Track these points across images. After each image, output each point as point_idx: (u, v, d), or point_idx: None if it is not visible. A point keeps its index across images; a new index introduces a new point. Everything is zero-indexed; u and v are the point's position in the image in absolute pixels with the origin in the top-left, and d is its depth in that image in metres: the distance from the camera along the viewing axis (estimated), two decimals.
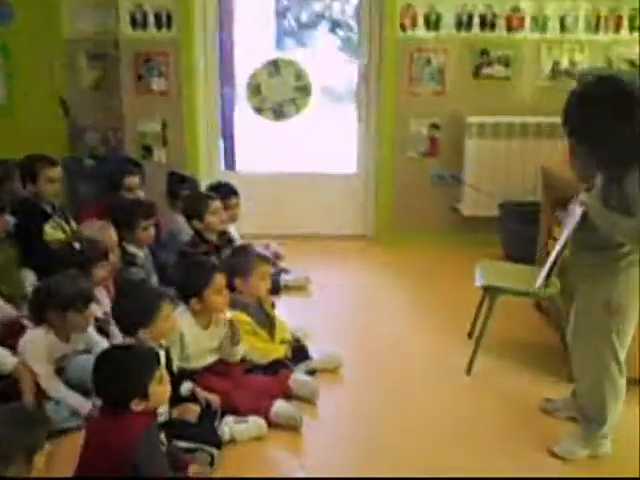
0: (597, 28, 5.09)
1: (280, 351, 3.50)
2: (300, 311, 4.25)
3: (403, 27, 5.03)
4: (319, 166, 5.61)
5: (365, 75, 5.26)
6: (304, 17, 11.52)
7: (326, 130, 6.27)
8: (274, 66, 5.16)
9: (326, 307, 4.43)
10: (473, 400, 3.42)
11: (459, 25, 5.05)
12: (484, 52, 5.09)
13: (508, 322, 3.99)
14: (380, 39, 5.09)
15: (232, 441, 2.95)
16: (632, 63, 5.11)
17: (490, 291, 3.58)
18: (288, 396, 3.27)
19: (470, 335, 3.98)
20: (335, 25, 11.28)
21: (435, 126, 5.23)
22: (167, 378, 2.53)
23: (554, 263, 2.74)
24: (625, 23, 5.09)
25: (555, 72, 5.15)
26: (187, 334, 3.18)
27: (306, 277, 4.59)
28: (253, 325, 3.45)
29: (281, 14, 10.78)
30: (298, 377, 3.36)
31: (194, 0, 5.04)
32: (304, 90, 5.19)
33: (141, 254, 3.96)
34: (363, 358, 3.79)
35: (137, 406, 2.35)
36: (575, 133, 2.70)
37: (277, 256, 4.87)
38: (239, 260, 3.52)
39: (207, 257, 3.61)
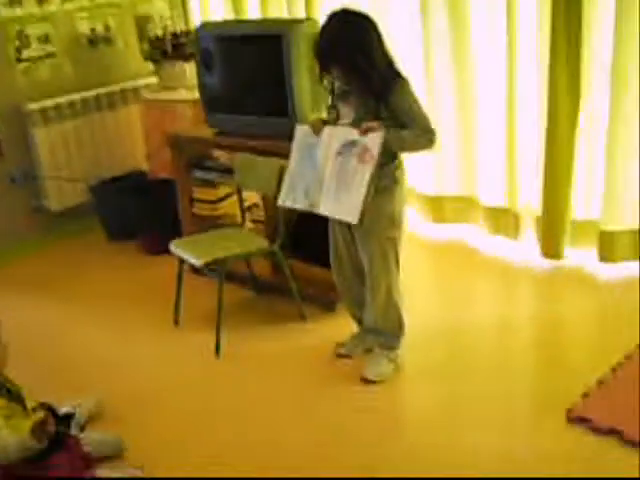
0: None
1: None
2: None
3: None
4: None
5: None
6: None
7: None
8: None
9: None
10: (262, 379, 3.28)
11: None
12: (21, 33, 4.56)
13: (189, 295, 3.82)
14: None
15: None
16: (160, 18, 5.20)
17: (220, 264, 3.45)
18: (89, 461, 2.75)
19: (177, 322, 3.79)
20: None
21: None
22: None
23: (367, 196, 2.82)
24: None
25: (94, 40, 4.93)
26: None
27: None
28: (7, 405, 2.74)
29: None
30: (90, 437, 2.84)
31: None
32: None
33: None
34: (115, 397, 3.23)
35: None
36: (339, 67, 2.85)
37: None
38: None
39: None
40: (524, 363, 3.29)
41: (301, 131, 3.13)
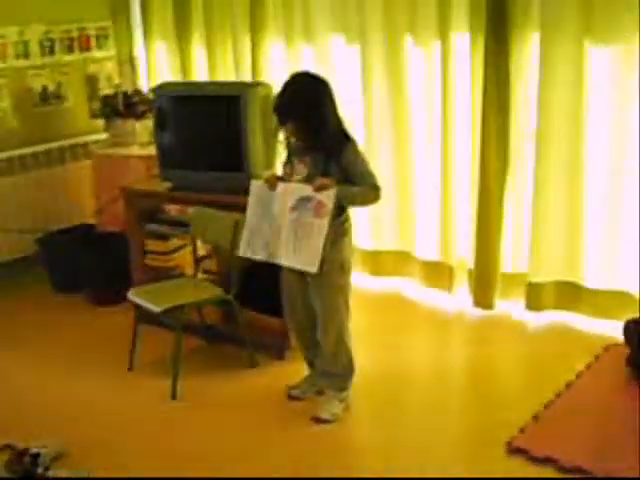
0: (71, 49, 5.18)
1: None
2: None
3: None
4: None
5: None
6: None
7: None
8: None
9: None
10: (217, 422, 3.43)
11: None
12: None
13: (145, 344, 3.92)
14: None
15: None
16: (108, 78, 5.39)
17: (176, 311, 3.61)
18: None
19: (131, 368, 3.89)
20: None
21: None
22: None
23: (324, 247, 3.07)
24: (93, 42, 5.30)
25: (45, 97, 5.08)
26: None
27: None
28: None
29: None
30: (57, 474, 2.93)
31: None
32: None
33: None
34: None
35: None
36: (294, 122, 3.13)
37: None
38: None
39: None
40: (462, 402, 3.57)
41: (256, 186, 3.37)
